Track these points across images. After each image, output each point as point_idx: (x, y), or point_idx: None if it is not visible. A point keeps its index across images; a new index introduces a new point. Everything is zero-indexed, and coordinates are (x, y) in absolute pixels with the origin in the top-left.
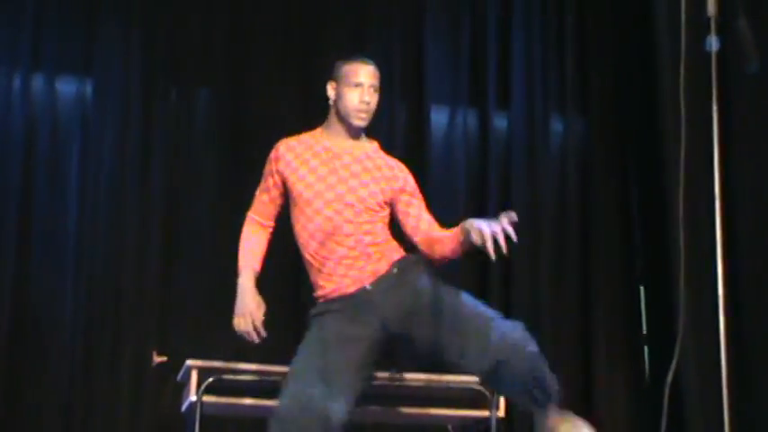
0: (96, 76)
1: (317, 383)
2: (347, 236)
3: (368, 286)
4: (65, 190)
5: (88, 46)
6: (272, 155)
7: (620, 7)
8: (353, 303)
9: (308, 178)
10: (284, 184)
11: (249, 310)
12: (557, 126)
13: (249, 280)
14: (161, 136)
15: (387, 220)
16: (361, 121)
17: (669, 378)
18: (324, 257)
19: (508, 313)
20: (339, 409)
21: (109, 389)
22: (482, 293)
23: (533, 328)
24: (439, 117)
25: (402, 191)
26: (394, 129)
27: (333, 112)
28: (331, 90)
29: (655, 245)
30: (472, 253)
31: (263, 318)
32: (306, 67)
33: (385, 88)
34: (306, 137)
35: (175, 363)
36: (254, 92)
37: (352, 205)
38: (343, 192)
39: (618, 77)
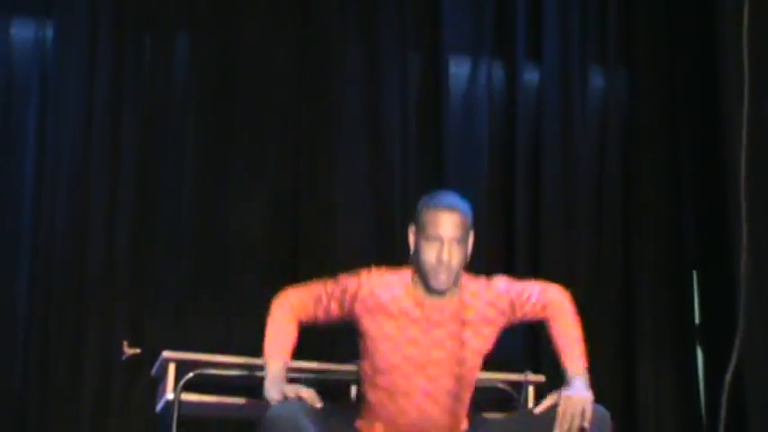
0: (58, 18)
1: None
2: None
3: None
4: (20, 153)
5: None
6: (350, 286)
7: None
8: None
9: (394, 349)
10: (356, 321)
11: (289, 388)
12: (596, 80)
13: (281, 371)
14: (133, 91)
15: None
16: (439, 283)
17: (728, 378)
18: (391, 411)
19: None
20: None
21: (69, 386)
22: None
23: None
24: (458, 69)
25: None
26: (406, 84)
27: (414, 265)
28: (410, 236)
29: (711, 222)
30: None
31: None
32: (302, 11)
33: (395, 36)
34: (394, 282)
35: (149, 355)
36: (242, 38)
37: (446, 391)
38: (436, 375)
39: (668, 21)
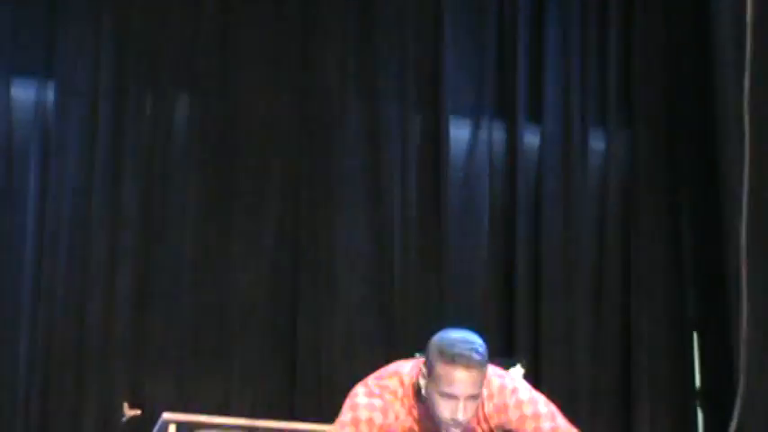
0: (59, 78)
1: None
2: None
3: None
4: (20, 212)
5: (49, 43)
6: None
7: (672, 5)
8: None
9: None
10: None
11: None
12: (597, 143)
13: None
14: (133, 149)
15: None
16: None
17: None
18: None
19: (535, 362)
20: None
21: None
22: (508, 339)
23: (565, 380)
24: (459, 131)
25: None
26: (406, 144)
27: (423, 396)
28: (421, 378)
29: (711, 283)
30: None
31: None
32: (303, 68)
33: (397, 97)
34: (389, 405)
35: (149, 416)
36: (242, 96)
37: None
38: None
39: (668, 86)
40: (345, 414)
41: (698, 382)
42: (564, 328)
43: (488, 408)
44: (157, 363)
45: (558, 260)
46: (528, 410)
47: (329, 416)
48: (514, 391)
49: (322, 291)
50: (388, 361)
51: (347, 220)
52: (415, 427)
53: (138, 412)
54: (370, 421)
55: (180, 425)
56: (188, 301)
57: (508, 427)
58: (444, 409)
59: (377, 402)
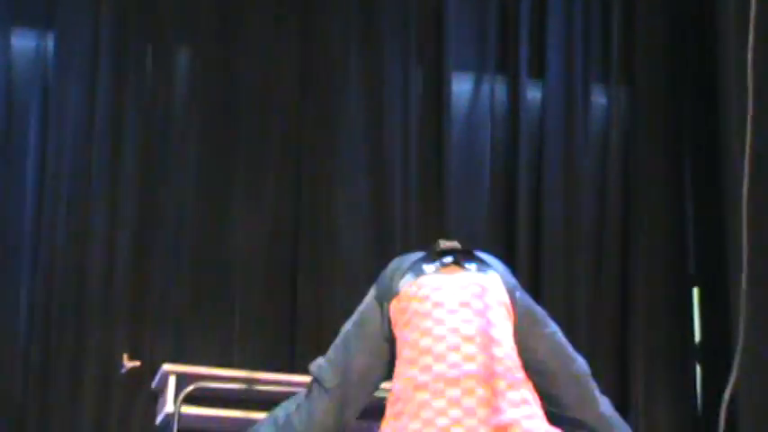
0: (59, 29)
1: None
2: None
3: None
4: (20, 165)
5: None
6: None
7: None
8: None
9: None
10: None
11: None
12: (598, 98)
13: None
14: (134, 104)
15: None
16: None
17: (726, 396)
18: None
19: None
20: None
21: (69, 399)
22: None
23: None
24: (461, 86)
25: None
26: (408, 100)
27: None
28: None
29: (711, 238)
30: None
31: None
32: (304, 25)
33: (399, 52)
34: None
35: (150, 368)
36: (243, 52)
37: None
38: None
39: (670, 40)
40: None
41: (697, 339)
42: (563, 284)
43: None
44: (157, 315)
45: (558, 215)
46: None
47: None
48: None
49: (323, 246)
50: None
51: (348, 176)
52: None
53: (138, 364)
54: None
55: (180, 376)
56: (188, 254)
57: None
58: None
59: None
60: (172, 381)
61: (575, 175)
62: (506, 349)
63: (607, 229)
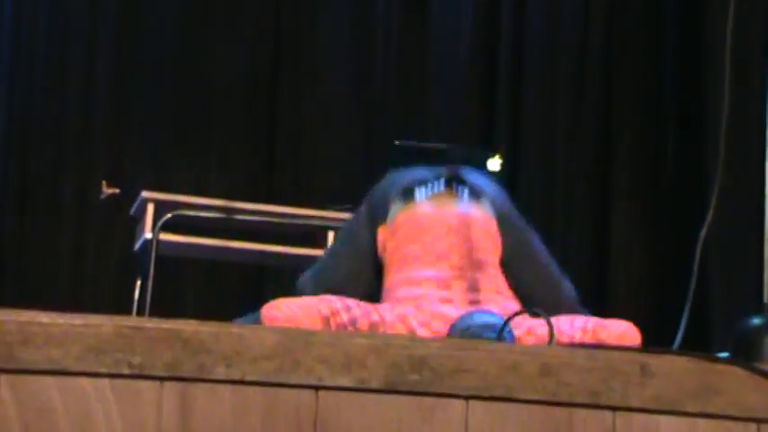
0: None
1: None
2: None
3: None
4: None
5: None
6: None
7: None
8: None
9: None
10: None
11: None
12: None
13: None
14: None
15: None
16: None
17: (702, 234)
18: None
19: (515, 158)
20: None
21: (48, 225)
22: (488, 129)
23: (543, 171)
24: None
25: None
26: None
27: None
28: None
29: (691, 81)
30: None
31: None
32: None
33: None
34: None
35: (129, 195)
36: None
37: None
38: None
39: None
40: None
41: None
42: (543, 121)
43: None
44: (137, 142)
45: (539, 56)
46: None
47: (307, 199)
48: None
49: (302, 77)
50: (367, 149)
51: (330, 12)
52: None
53: (117, 191)
54: None
55: (158, 203)
56: (168, 81)
57: None
58: None
59: None
60: (150, 208)
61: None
62: (489, 275)
63: (589, 66)
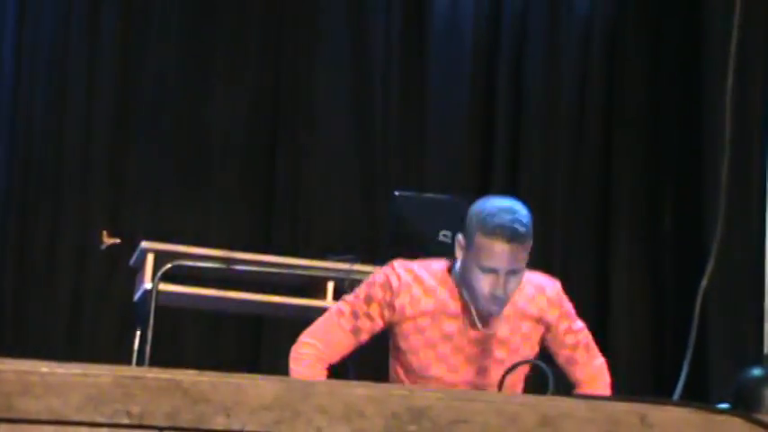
0: None
1: None
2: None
3: None
4: None
5: None
6: (383, 296)
7: None
8: None
9: (428, 356)
10: (387, 327)
11: None
12: None
13: None
14: None
15: None
16: (491, 311)
17: (703, 285)
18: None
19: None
20: None
21: (47, 274)
22: (486, 181)
23: (544, 222)
24: None
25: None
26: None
27: (459, 270)
28: (458, 248)
29: (689, 139)
30: None
31: None
32: None
33: None
34: (429, 281)
35: (129, 245)
36: None
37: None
38: (471, 379)
39: None
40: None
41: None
42: (542, 169)
43: (525, 303)
44: (137, 193)
45: (540, 108)
46: (567, 318)
47: (306, 249)
48: (558, 294)
49: (301, 127)
50: (366, 199)
51: (329, 59)
52: (450, 307)
53: (118, 241)
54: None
55: (158, 254)
56: (168, 132)
57: (542, 328)
58: (484, 284)
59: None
60: (150, 258)
61: (557, 53)
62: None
63: (588, 119)
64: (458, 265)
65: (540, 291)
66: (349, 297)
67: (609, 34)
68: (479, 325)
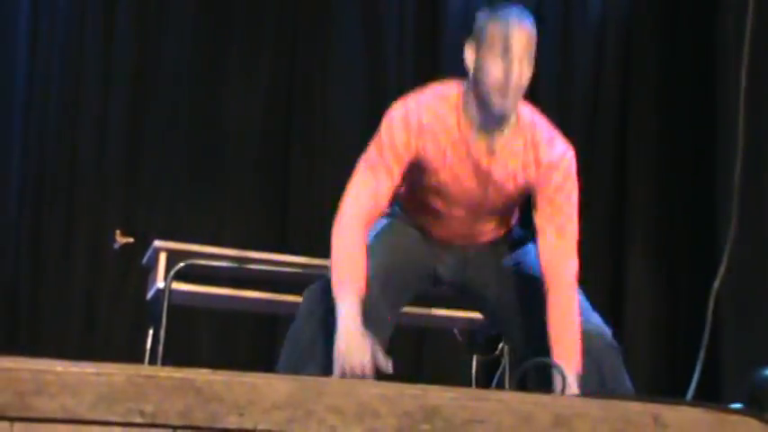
0: None
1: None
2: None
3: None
4: (12, 29)
5: None
6: (402, 137)
7: None
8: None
9: (442, 175)
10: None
11: (359, 360)
12: None
13: (354, 314)
14: None
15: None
16: (504, 105)
17: (716, 286)
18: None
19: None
20: None
21: (61, 274)
22: None
23: None
24: None
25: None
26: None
27: (470, 85)
28: (469, 53)
29: (705, 130)
30: None
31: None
32: None
33: None
34: (441, 108)
35: (142, 244)
36: None
37: (488, 214)
38: (478, 202)
39: None
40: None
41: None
42: None
43: (527, 152)
44: (151, 192)
45: (552, 101)
46: (565, 185)
47: (319, 249)
48: (565, 153)
49: (316, 127)
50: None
51: (343, 59)
52: (458, 134)
53: (131, 240)
54: (419, 123)
55: (171, 253)
56: (182, 131)
57: (533, 183)
58: (497, 70)
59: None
60: (163, 257)
61: (570, 63)
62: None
63: (602, 118)
64: (469, 77)
65: (550, 143)
66: (371, 150)
67: (622, 37)
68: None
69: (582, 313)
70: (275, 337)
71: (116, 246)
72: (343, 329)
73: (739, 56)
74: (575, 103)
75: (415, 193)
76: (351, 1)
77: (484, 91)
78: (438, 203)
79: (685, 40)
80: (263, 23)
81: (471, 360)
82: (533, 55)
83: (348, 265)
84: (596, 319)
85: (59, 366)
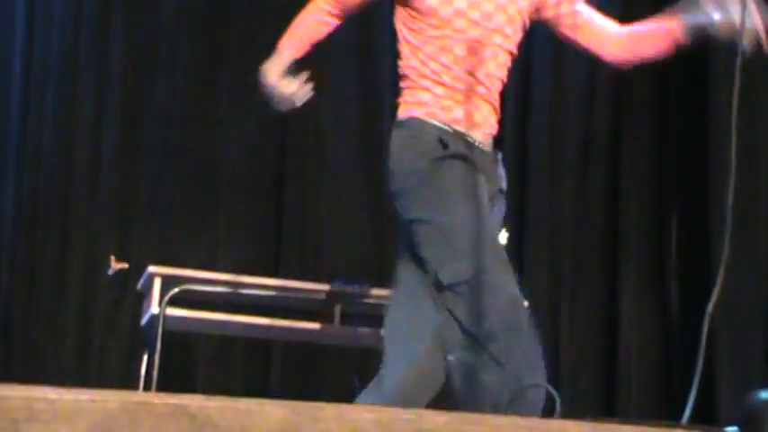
0: None
1: None
2: (489, 75)
3: (485, 148)
4: (5, 49)
5: None
6: None
7: None
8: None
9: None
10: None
11: (272, 79)
12: None
13: (285, 59)
14: (121, 7)
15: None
16: None
17: (709, 309)
18: (462, 83)
19: (522, 228)
20: None
21: (55, 300)
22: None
23: (552, 242)
24: None
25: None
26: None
27: None
28: None
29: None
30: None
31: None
32: None
33: None
34: None
35: (136, 269)
36: None
37: (501, 30)
38: (490, 10)
39: None
40: None
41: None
42: (548, 207)
43: None
44: (144, 218)
45: (545, 139)
46: None
47: (314, 274)
48: None
49: (309, 150)
50: (374, 223)
51: (336, 86)
52: None
53: (126, 266)
54: None
55: (165, 278)
56: (176, 158)
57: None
58: None
59: None
60: (157, 282)
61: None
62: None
63: (594, 152)
64: None
65: None
66: None
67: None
68: None
69: None
70: (270, 362)
71: (110, 272)
72: (270, 62)
73: (732, 70)
74: (569, 117)
75: (426, 53)
76: (345, 30)
77: None
78: (447, 42)
79: (678, 58)
80: (256, 51)
81: None
82: None
83: (298, 32)
84: None
85: (53, 393)
